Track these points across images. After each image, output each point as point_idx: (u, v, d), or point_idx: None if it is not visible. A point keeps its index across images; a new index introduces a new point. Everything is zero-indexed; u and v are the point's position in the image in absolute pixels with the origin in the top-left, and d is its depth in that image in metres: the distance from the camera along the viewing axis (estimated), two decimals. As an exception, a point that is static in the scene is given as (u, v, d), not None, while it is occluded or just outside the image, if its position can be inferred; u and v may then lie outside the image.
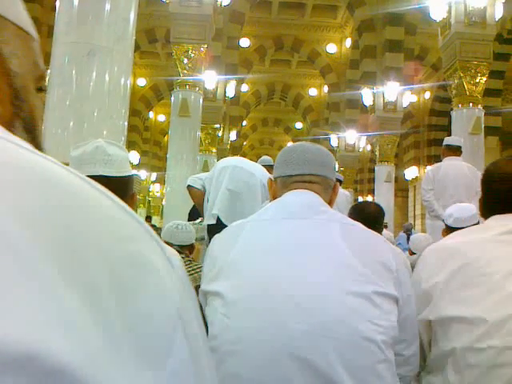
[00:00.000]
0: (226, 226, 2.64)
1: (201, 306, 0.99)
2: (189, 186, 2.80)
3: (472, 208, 2.59)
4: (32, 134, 0.40)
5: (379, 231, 2.26)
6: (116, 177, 1.07)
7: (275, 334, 0.84)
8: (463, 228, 2.38)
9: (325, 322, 0.84)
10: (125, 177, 1.10)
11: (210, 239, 2.63)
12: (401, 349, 0.99)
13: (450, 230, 2.50)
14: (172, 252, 0.29)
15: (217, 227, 2.53)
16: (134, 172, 1.21)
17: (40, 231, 0.23)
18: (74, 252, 0.23)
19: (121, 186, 1.07)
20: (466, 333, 0.98)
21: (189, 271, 2.15)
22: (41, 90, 0.43)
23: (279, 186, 1.07)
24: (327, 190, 1.07)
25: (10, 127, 0.36)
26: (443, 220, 3.92)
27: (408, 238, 7.80)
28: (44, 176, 0.25)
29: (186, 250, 2.36)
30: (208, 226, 2.67)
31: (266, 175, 2.66)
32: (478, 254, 1.03)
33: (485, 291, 0.98)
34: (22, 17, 0.39)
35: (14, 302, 0.20)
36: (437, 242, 2.80)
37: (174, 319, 0.27)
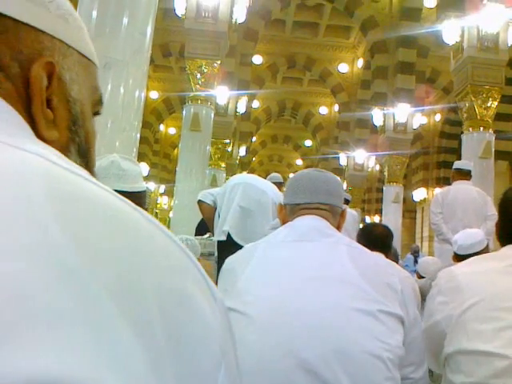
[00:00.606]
0: (236, 243, 2.62)
1: None
2: (199, 201, 2.80)
3: (478, 234, 2.57)
4: (85, 159, 0.41)
5: (387, 253, 2.25)
6: (130, 192, 1.08)
7: (286, 349, 0.86)
8: (468, 255, 2.37)
9: (333, 339, 0.86)
10: (138, 192, 1.11)
11: (219, 256, 2.61)
12: (409, 372, 1.00)
13: (457, 256, 2.48)
14: (213, 284, 0.30)
15: (227, 244, 2.51)
16: (145, 185, 1.22)
17: (100, 266, 0.23)
18: (130, 287, 0.24)
19: (134, 201, 1.07)
20: (481, 368, 0.94)
21: None
22: (97, 113, 0.44)
23: (288, 213, 1.12)
24: (335, 216, 1.11)
25: (65, 152, 0.37)
26: (451, 244, 3.91)
27: (415, 260, 7.75)
28: (105, 210, 0.26)
29: None
30: (218, 242, 2.67)
31: (277, 193, 2.66)
32: (495, 286, 1.00)
33: (501, 327, 0.95)
34: (86, 45, 0.41)
35: (68, 337, 0.20)
36: (445, 265, 2.77)
37: (218, 359, 0.27)
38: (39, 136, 0.34)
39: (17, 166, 0.26)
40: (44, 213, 0.23)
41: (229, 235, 2.56)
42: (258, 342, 0.88)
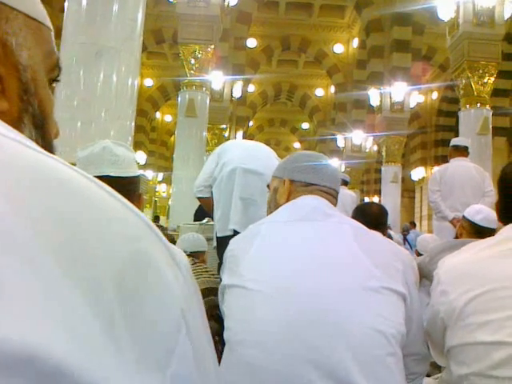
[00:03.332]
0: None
1: (217, 306, 1.03)
2: (198, 197, 2.72)
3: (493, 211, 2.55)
4: (41, 130, 0.38)
5: (382, 231, 2.25)
6: (123, 177, 1.08)
7: (290, 325, 0.87)
8: (490, 229, 2.34)
9: (335, 314, 0.87)
10: (132, 177, 1.10)
11: (219, 249, 2.53)
12: (412, 366, 1.04)
13: (474, 227, 2.41)
14: (178, 251, 0.29)
15: (232, 238, 2.42)
16: (141, 172, 1.22)
17: (45, 232, 0.22)
18: (78, 252, 0.23)
19: (128, 187, 1.08)
20: (487, 358, 0.93)
21: (200, 273, 2.19)
22: (55, 80, 0.41)
23: (298, 189, 1.12)
24: (335, 200, 1.15)
25: (18, 123, 0.35)
26: (450, 221, 3.92)
27: (405, 239, 7.82)
28: (50, 176, 0.25)
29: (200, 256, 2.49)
30: (223, 237, 2.57)
31: (275, 166, 2.45)
32: (497, 274, 0.98)
33: (507, 316, 0.93)
34: (33, 6, 0.37)
35: (16, 302, 0.20)
36: (444, 242, 2.75)
37: (178, 320, 0.26)
38: None
39: None
40: None
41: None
42: (264, 321, 0.89)
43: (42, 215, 0.23)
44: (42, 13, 0.39)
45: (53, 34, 0.40)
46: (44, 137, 0.38)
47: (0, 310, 0.19)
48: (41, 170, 0.25)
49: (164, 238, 0.29)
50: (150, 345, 0.24)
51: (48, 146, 0.39)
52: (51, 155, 0.27)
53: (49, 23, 0.40)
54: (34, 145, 0.27)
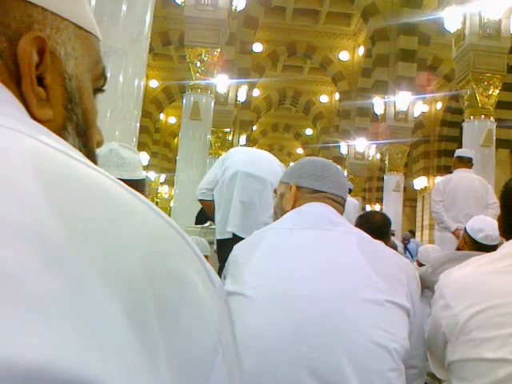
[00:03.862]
0: (240, 238, 2.54)
1: None
2: (200, 200, 2.72)
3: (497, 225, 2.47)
4: (84, 139, 0.38)
5: (385, 240, 2.24)
6: (129, 180, 1.08)
7: (291, 335, 0.86)
8: (491, 246, 2.29)
9: (338, 327, 0.86)
10: (137, 180, 1.10)
11: (224, 253, 2.53)
12: (416, 362, 1.03)
13: (475, 243, 2.37)
14: (212, 270, 0.30)
15: (231, 241, 2.43)
16: (145, 174, 1.22)
17: (88, 246, 0.22)
18: (120, 268, 0.23)
19: (133, 189, 1.07)
20: (489, 374, 0.92)
21: None
22: (99, 90, 0.41)
23: (304, 196, 1.11)
24: (342, 208, 1.14)
25: (62, 132, 0.35)
26: (452, 232, 3.91)
27: (405, 247, 7.81)
28: (96, 190, 0.25)
29: None
30: (222, 239, 2.55)
31: (277, 175, 2.47)
32: (500, 290, 0.97)
33: (509, 333, 0.92)
34: (83, 17, 0.38)
35: (64, 324, 0.19)
36: (447, 253, 2.71)
37: (215, 341, 0.26)
38: (32, 116, 0.33)
39: (4, 145, 0.24)
40: (32, 194, 0.22)
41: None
42: (264, 326, 0.88)
43: (87, 230, 0.23)
44: (91, 22, 0.39)
45: (99, 43, 0.41)
46: (86, 145, 0.39)
47: (35, 330, 0.19)
48: (86, 184, 0.25)
49: (201, 255, 0.28)
50: (189, 368, 0.24)
51: (90, 155, 0.40)
52: (97, 168, 0.27)
53: (97, 33, 0.40)
54: (79, 156, 0.27)
